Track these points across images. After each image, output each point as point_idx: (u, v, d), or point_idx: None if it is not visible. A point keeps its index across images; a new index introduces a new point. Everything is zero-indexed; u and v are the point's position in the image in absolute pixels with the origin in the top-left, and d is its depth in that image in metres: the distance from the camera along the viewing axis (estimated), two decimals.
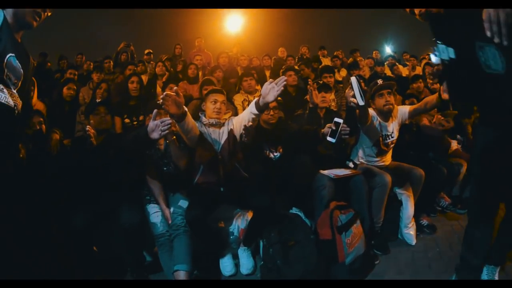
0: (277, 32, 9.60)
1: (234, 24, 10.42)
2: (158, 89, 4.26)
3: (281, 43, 7.85)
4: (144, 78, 4.75)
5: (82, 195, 2.08)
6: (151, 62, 5.72)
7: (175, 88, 1.87)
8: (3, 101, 1.23)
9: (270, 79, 1.95)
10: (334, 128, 2.10)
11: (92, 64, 5.81)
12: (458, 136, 3.13)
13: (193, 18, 9.39)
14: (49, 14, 1.40)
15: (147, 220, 2.15)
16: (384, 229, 2.43)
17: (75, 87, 3.68)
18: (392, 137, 2.55)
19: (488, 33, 1.16)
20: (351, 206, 2.18)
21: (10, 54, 1.27)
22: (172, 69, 5.24)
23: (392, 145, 2.59)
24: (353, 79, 2.03)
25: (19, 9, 1.31)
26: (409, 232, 2.42)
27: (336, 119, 2.11)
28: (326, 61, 6.30)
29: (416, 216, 2.54)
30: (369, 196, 2.32)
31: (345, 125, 2.07)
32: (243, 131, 2.19)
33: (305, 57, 6.32)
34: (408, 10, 1.63)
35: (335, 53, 6.72)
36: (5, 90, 1.24)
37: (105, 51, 6.60)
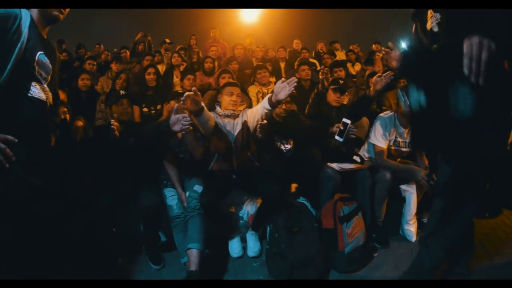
0: (292, 23, 9.43)
1: (248, 14, 10.34)
2: (175, 79, 4.34)
3: (296, 34, 7.79)
4: (161, 67, 4.83)
5: (104, 179, 2.22)
6: (167, 52, 5.82)
7: (194, 88, 2.01)
8: (36, 96, 1.34)
9: (283, 78, 2.06)
10: (342, 128, 2.21)
11: (109, 54, 5.95)
12: None
13: (208, 8, 9.33)
14: None
15: (164, 203, 2.27)
16: (387, 224, 2.49)
17: (88, 77, 3.79)
18: (406, 146, 2.54)
19: (466, 70, 1.06)
20: (354, 199, 2.26)
21: (39, 52, 1.35)
22: (187, 59, 5.32)
23: (404, 153, 2.57)
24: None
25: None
26: (410, 228, 2.46)
27: (344, 120, 2.22)
28: (341, 55, 6.25)
29: (419, 214, 2.57)
30: (372, 191, 2.39)
31: (352, 126, 2.20)
32: (259, 128, 2.28)
33: (321, 51, 6.31)
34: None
35: (350, 47, 6.61)
36: (37, 86, 1.34)
37: (120, 41, 6.71)
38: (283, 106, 2.62)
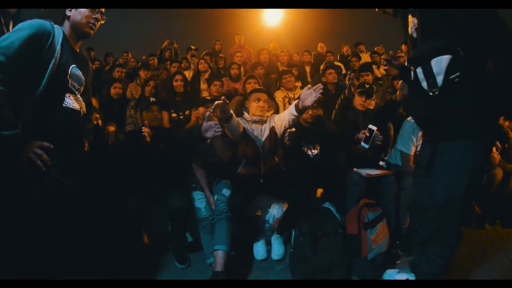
0: (315, 25, 9.31)
1: (271, 17, 10.35)
2: (202, 85, 4.42)
3: (319, 36, 7.72)
4: (188, 73, 4.91)
5: (135, 182, 2.31)
6: (193, 58, 5.93)
7: (223, 97, 2.10)
8: (70, 106, 1.45)
9: (309, 85, 2.10)
10: (368, 134, 2.21)
11: (135, 60, 6.20)
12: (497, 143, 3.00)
13: (231, 12, 9.43)
14: (103, 22, 1.57)
15: (192, 205, 2.35)
16: (411, 231, 2.45)
17: (121, 86, 3.91)
18: None
19: None
20: (379, 205, 2.23)
21: (72, 66, 1.46)
22: (213, 65, 5.39)
23: None
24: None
25: (76, 22, 1.48)
26: None
27: (370, 126, 2.21)
28: (365, 57, 6.13)
29: None
30: (397, 197, 2.35)
31: (378, 133, 2.19)
32: (287, 136, 2.32)
33: (347, 54, 6.20)
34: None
35: (375, 49, 6.48)
36: (71, 96, 1.46)
37: (148, 48, 6.94)
38: (310, 112, 2.65)
